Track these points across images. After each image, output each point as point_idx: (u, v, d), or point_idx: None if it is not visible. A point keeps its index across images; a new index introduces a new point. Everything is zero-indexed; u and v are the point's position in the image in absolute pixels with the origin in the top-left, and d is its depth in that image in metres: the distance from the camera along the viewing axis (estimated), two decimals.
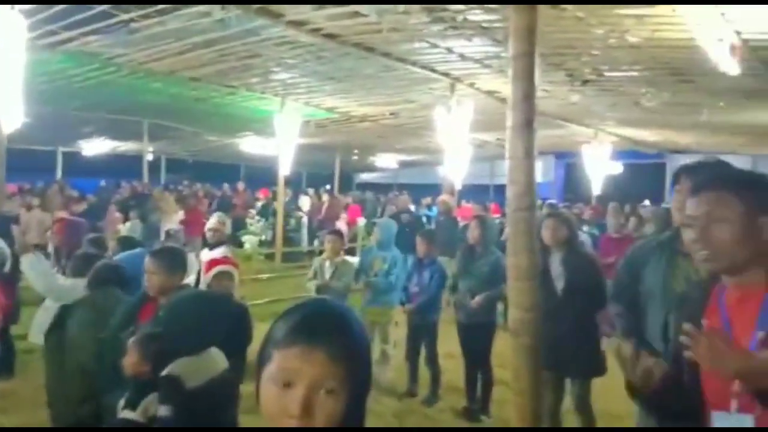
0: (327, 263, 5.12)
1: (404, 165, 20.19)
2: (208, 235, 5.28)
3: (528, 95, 2.50)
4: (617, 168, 14.88)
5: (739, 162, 16.87)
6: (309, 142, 13.42)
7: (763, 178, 1.57)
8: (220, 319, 2.03)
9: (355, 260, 5.73)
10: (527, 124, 2.50)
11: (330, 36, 6.85)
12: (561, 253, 3.73)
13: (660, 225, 8.14)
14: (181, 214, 9.43)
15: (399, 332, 5.19)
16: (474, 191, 15.88)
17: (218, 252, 4.69)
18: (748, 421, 1.40)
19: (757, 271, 1.45)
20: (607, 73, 8.05)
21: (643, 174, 17.55)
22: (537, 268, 2.50)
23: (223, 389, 1.89)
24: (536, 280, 2.48)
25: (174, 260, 2.79)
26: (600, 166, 13.62)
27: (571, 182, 18.60)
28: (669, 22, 5.36)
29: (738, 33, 5.53)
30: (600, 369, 3.68)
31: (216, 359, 1.94)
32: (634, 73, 7.83)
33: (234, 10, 5.85)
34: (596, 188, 13.96)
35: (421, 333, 5.03)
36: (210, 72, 8.54)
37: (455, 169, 9.70)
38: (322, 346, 0.91)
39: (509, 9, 2.58)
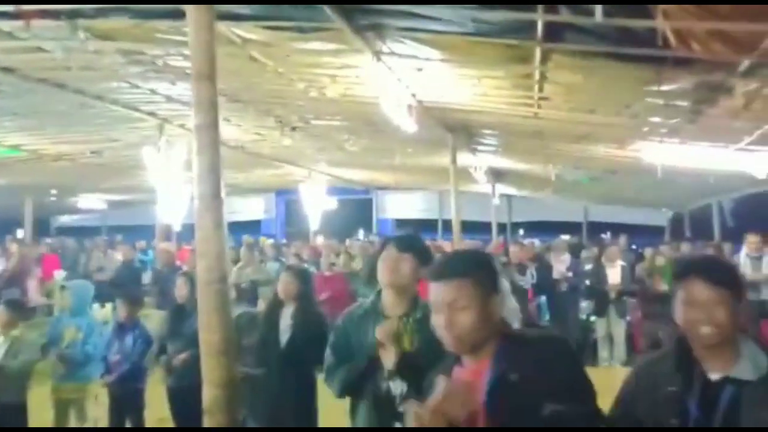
0: (0, 338, 4.36)
1: (114, 205, 18.48)
2: None
3: (214, 167, 2.50)
4: (332, 203, 15.93)
5: (429, 197, 19.41)
6: None
7: (490, 259, 1.75)
8: None
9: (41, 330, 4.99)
10: (215, 195, 2.49)
11: (6, 70, 5.97)
12: (292, 308, 3.87)
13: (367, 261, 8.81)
14: None
15: (99, 408, 4.65)
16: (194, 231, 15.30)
17: None
18: None
19: (488, 347, 1.60)
20: (313, 121, 8.60)
21: (354, 208, 19.16)
22: (232, 343, 2.48)
23: None
24: (232, 355, 2.45)
25: None
26: (316, 203, 14.43)
27: (292, 218, 19.30)
28: (356, 83, 5.96)
29: (414, 95, 6.43)
30: (314, 421, 3.83)
31: None
32: (337, 123, 8.52)
33: None
34: (314, 223, 14.73)
35: (126, 405, 4.61)
36: None
37: (171, 210, 9.26)
38: None
39: (192, 80, 2.56)
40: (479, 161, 10.82)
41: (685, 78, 4.40)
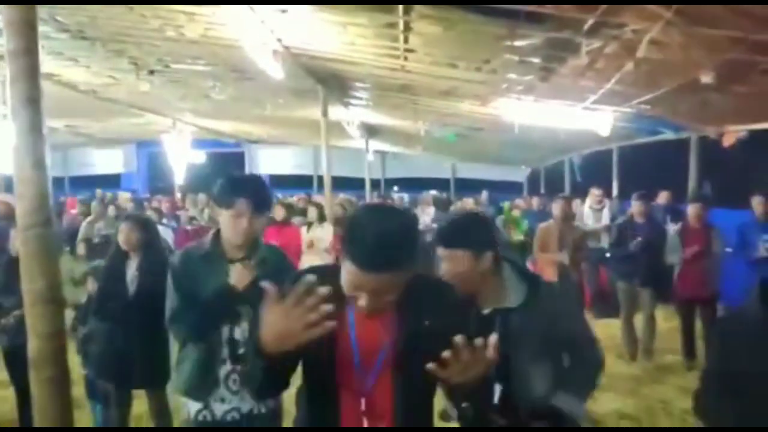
0: None
1: None
2: None
3: (32, 98, 2.22)
4: (199, 157, 15.20)
5: (304, 152, 19.09)
6: None
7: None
8: None
9: None
10: (33, 130, 2.23)
11: None
12: (138, 258, 3.64)
13: None
14: None
15: None
16: None
17: None
18: None
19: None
20: (173, 65, 8.03)
21: (225, 162, 18.43)
22: (58, 290, 2.28)
23: None
24: (57, 303, 2.26)
25: None
26: (181, 156, 13.68)
27: (156, 172, 18.21)
28: (216, 23, 5.62)
29: (279, 40, 6.20)
30: (168, 377, 3.66)
31: None
32: (200, 67, 8.02)
33: None
34: (179, 177, 14.00)
35: None
36: None
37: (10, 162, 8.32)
38: None
39: None
40: (352, 115, 10.79)
41: (535, 35, 4.62)
